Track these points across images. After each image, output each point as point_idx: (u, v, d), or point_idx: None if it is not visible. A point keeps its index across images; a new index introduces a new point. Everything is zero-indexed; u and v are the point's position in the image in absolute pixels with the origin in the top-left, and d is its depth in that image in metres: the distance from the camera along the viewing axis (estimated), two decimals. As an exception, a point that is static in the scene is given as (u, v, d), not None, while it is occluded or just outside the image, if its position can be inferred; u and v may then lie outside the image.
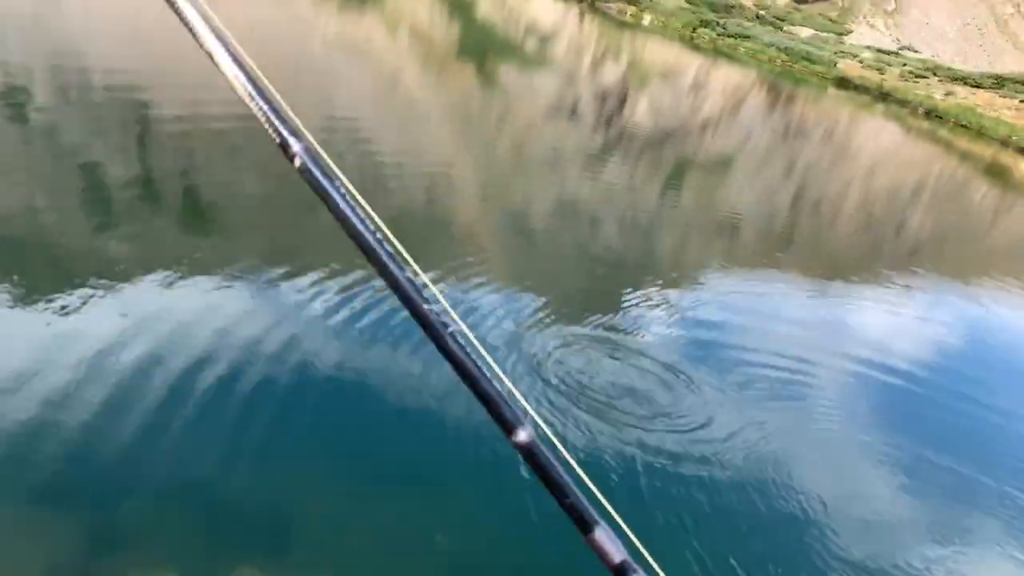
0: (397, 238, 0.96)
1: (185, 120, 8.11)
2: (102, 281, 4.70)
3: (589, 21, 48.26)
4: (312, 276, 5.41)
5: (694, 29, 64.15)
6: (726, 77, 38.99)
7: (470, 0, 38.82)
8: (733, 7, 79.78)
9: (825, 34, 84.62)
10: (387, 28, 20.89)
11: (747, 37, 65.19)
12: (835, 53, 66.72)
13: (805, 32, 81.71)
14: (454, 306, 5.47)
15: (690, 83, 30.82)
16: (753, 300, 7.76)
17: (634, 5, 69.42)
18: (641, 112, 19.71)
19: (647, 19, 67.01)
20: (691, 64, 39.97)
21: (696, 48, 53.74)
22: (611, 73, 26.20)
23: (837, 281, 9.27)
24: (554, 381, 4.85)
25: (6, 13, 10.39)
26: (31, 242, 4.96)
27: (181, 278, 4.97)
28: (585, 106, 17.91)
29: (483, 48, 23.29)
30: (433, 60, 18.04)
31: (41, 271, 4.71)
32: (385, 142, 9.82)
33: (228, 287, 5.04)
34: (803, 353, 6.50)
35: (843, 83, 54.18)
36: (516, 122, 13.59)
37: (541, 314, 5.91)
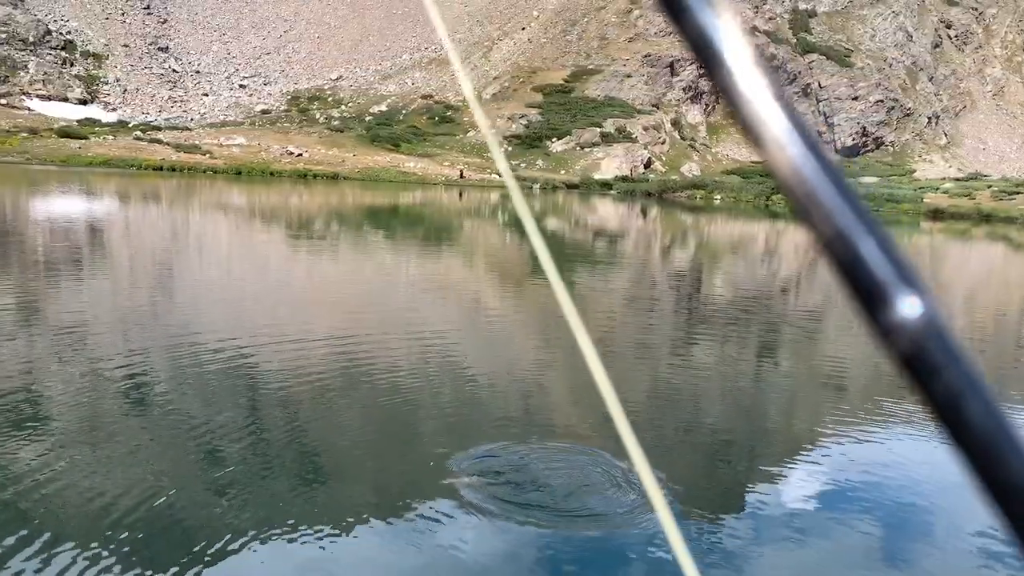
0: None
1: (288, 378, 8.77)
2: (225, 546, 4.95)
3: (656, 213, 50.36)
4: (420, 514, 5.53)
5: (768, 197, 66.08)
6: (796, 236, 39.28)
7: (538, 216, 41.44)
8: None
9: (890, 178, 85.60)
10: (463, 260, 22.41)
11: (820, 193, 66.78)
12: (916, 190, 66.89)
13: (868, 179, 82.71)
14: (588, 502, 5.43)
15: (762, 250, 31.17)
16: (877, 452, 7.34)
17: (701, 189, 72.52)
18: (718, 287, 19.92)
19: (718, 198, 69.59)
20: (759, 232, 40.62)
21: (774, 214, 54.81)
22: (681, 257, 26.91)
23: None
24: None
25: (127, 307, 11.82)
26: (158, 516, 5.32)
27: (302, 533, 5.18)
28: (661, 293, 18.29)
29: (555, 258, 24.49)
30: (509, 279, 19.05)
31: (168, 546, 5.01)
32: (474, 360, 10.23)
33: (346, 536, 5.21)
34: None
35: (937, 214, 53.64)
36: (597, 320, 13.97)
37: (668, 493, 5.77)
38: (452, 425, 7.42)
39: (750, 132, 0.43)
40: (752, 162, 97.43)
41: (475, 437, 6.98)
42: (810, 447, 7.47)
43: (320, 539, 5.13)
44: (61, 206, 31.22)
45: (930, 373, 0.39)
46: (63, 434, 6.70)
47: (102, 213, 29.79)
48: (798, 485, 6.50)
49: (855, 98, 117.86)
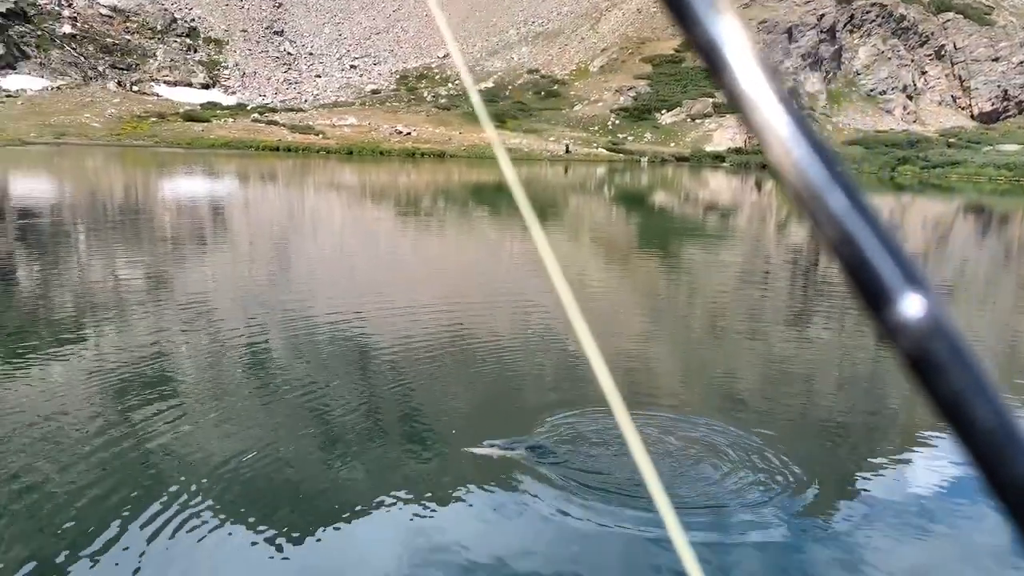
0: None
1: (395, 346, 9.03)
2: (341, 510, 5.17)
3: (771, 186, 48.45)
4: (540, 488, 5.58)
5: (893, 168, 62.38)
6: (923, 210, 36.87)
7: (645, 191, 40.72)
8: (918, 142, 76.96)
9: (1033, 145, 78.60)
10: (569, 236, 22.31)
11: (956, 163, 62.13)
12: (1066, 157, 61.35)
13: (1009, 147, 76.42)
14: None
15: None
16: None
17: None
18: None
19: (837, 170, 66.28)
20: (882, 205, 38.38)
21: (899, 187, 51.71)
22: (798, 233, 25.78)
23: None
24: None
25: (248, 280, 12.46)
26: (272, 480, 5.60)
27: (406, 498, 5.34)
28: (776, 269, 17.60)
29: (663, 233, 24.04)
30: (616, 255, 18.83)
31: (282, 506, 5.27)
32: (569, 332, 10.18)
33: (456, 504, 5.32)
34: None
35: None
36: (708, 297, 13.60)
37: (776, 489, 5.60)
38: (550, 394, 7.42)
39: (756, 134, 0.43)
40: (876, 131, 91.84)
41: (571, 405, 6.95)
42: (931, 436, 7.01)
43: (423, 504, 5.26)
44: (187, 186, 33.25)
45: (935, 373, 0.39)
46: (188, 396, 7.16)
47: (224, 193, 31.50)
48: (917, 474, 6.13)
49: (995, 59, 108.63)
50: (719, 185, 48.91)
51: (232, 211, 25.03)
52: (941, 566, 4.80)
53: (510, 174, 0.74)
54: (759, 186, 48.37)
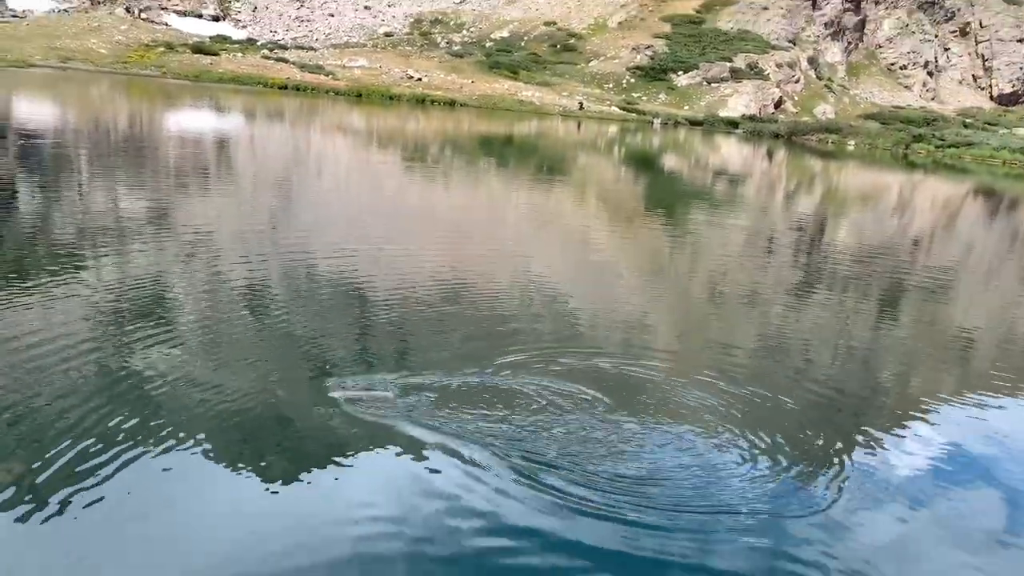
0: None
1: (394, 285, 8.99)
2: (328, 452, 5.18)
3: (783, 156, 47.92)
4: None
5: (907, 145, 61.48)
6: (934, 190, 36.53)
7: (655, 154, 40.27)
8: (934, 120, 75.87)
9: (1050, 129, 77.33)
10: (575, 194, 22.10)
11: (970, 144, 61.15)
12: (1083, 146, 60.36)
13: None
14: (675, 452, 5.36)
15: (894, 202, 29.16)
16: (998, 427, 6.82)
17: (834, 133, 68.04)
18: (842, 238, 18.83)
19: (852, 144, 65.14)
20: (894, 183, 37.99)
21: (912, 165, 51.05)
22: (806, 204, 25.55)
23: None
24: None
25: (249, 216, 12.36)
26: (264, 418, 5.60)
27: (401, 446, 5.34)
28: (781, 239, 17.47)
29: (671, 197, 23.82)
30: (621, 216, 18.67)
31: (271, 445, 5.27)
32: (579, 298, 10.14)
33: (453, 443, 5.33)
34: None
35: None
36: (710, 264, 13.52)
37: (765, 464, 5.61)
38: (532, 341, 7.40)
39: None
40: (893, 107, 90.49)
41: (554, 359, 6.94)
42: (923, 413, 7.02)
43: (423, 451, 5.27)
44: (193, 120, 32.85)
45: None
46: (188, 333, 7.14)
47: (230, 129, 31.13)
48: (906, 451, 6.13)
49: (1021, 40, 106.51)
50: (730, 152, 48.35)
51: (238, 147, 24.77)
52: (929, 542, 4.82)
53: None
54: (770, 155, 47.82)
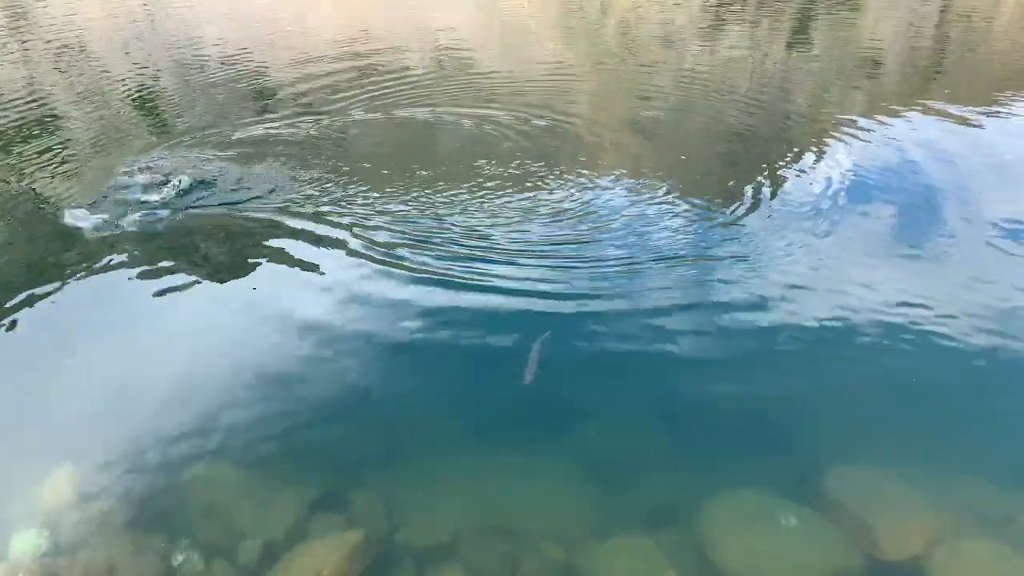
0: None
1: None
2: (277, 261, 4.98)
3: None
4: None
5: None
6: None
7: None
8: None
9: None
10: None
11: None
12: None
13: None
14: (593, 199, 5.33)
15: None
16: (910, 140, 6.97)
17: None
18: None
19: None
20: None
21: None
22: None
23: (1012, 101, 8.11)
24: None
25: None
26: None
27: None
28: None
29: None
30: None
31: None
32: (497, 60, 9.60)
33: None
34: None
35: None
36: (618, 11, 12.88)
37: (687, 199, 5.64)
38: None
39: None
40: None
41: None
42: (837, 133, 7.08)
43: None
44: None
45: None
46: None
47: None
48: (815, 175, 6.16)
49: None
50: None
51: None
52: (836, 262, 4.94)
53: None
54: None
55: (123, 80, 8.73)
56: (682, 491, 3.25)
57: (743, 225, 5.33)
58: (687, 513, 3.12)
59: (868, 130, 7.16)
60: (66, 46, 10.02)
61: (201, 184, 5.80)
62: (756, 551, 2.99)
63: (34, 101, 7.98)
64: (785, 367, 3.91)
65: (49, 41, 10.23)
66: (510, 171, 6.09)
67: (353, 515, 3.17)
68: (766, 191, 5.86)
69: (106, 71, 9.13)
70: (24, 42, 9.98)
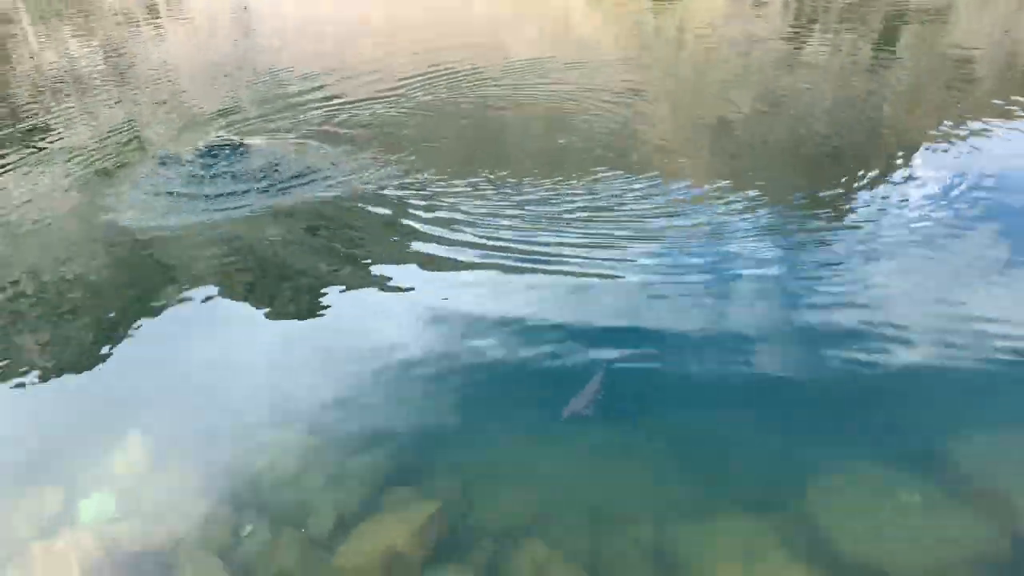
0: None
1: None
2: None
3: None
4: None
5: None
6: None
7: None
8: None
9: None
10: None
11: None
12: None
13: None
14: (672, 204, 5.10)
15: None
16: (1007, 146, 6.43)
17: None
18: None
19: None
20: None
21: None
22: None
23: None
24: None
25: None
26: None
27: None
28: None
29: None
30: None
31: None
32: (569, 79, 9.45)
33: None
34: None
35: None
36: (697, 28, 12.69)
37: (772, 209, 5.34)
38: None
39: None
40: None
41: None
42: (930, 143, 6.58)
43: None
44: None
45: None
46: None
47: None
48: (909, 187, 5.70)
49: None
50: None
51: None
52: (926, 277, 4.53)
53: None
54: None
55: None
56: (787, 469, 2.94)
57: (835, 232, 4.95)
58: (795, 492, 2.81)
59: (962, 140, 6.59)
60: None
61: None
62: (878, 530, 2.64)
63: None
64: (888, 339, 3.57)
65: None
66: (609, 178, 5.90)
67: (429, 489, 2.99)
68: (858, 200, 5.46)
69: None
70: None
